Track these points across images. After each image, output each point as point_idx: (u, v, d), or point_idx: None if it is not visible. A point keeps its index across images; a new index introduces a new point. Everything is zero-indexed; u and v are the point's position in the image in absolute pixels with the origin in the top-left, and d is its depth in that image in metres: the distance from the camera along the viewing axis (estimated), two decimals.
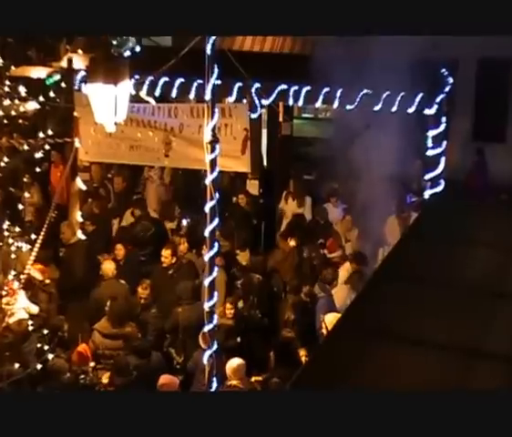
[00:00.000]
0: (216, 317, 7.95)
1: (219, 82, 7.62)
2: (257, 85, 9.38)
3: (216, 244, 7.79)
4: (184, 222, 11.88)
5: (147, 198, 13.06)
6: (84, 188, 11.63)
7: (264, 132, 13.88)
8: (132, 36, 8.50)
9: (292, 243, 10.83)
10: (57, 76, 10.43)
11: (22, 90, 8.59)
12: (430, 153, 9.24)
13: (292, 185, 12.71)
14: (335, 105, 9.46)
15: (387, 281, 4.20)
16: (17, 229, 9.04)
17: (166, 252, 10.38)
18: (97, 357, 8.86)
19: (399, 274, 4.28)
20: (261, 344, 9.26)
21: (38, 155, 9.81)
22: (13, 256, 8.67)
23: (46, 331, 8.72)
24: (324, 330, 8.06)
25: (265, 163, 13.88)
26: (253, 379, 8.26)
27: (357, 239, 11.04)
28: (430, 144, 9.23)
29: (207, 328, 7.81)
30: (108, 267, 10.12)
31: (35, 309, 8.81)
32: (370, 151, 9.18)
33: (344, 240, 11.34)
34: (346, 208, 11.88)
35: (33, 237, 9.15)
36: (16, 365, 7.98)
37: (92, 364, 8.65)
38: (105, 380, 8.46)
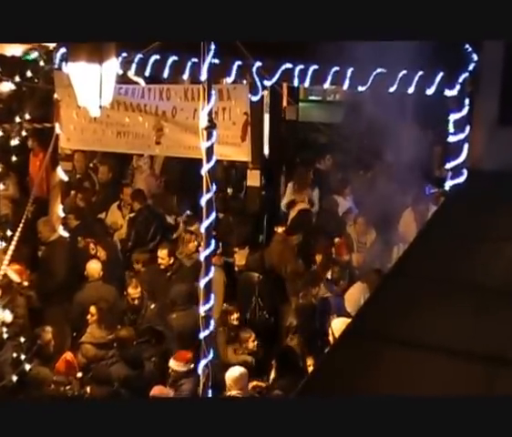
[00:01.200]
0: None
1: (216, 61, 7.62)
2: (258, 63, 9.36)
3: (213, 241, 7.81)
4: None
5: None
6: (66, 178, 11.65)
7: (266, 117, 13.86)
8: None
9: (296, 239, 10.83)
10: (35, 54, 10.40)
11: None
12: (451, 139, 9.23)
13: (300, 175, 12.69)
14: (346, 86, 9.43)
15: (402, 282, 4.20)
16: None
17: (162, 253, 10.36)
18: (87, 370, 8.86)
19: (415, 275, 4.28)
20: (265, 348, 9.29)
21: (14, 142, 9.82)
22: None
23: (22, 339, 8.73)
24: (331, 338, 8.08)
25: (267, 151, 13.86)
26: (253, 383, 8.29)
27: (374, 244, 10.92)
28: (451, 129, 9.21)
29: (202, 335, 7.82)
30: (94, 267, 10.12)
31: (8, 317, 8.80)
32: (384, 137, 9.16)
33: (356, 248, 11.25)
34: (357, 206, 11.80)
35: (9, 233, 9.17)
36: None
37: (79, 375, 8.67)
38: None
